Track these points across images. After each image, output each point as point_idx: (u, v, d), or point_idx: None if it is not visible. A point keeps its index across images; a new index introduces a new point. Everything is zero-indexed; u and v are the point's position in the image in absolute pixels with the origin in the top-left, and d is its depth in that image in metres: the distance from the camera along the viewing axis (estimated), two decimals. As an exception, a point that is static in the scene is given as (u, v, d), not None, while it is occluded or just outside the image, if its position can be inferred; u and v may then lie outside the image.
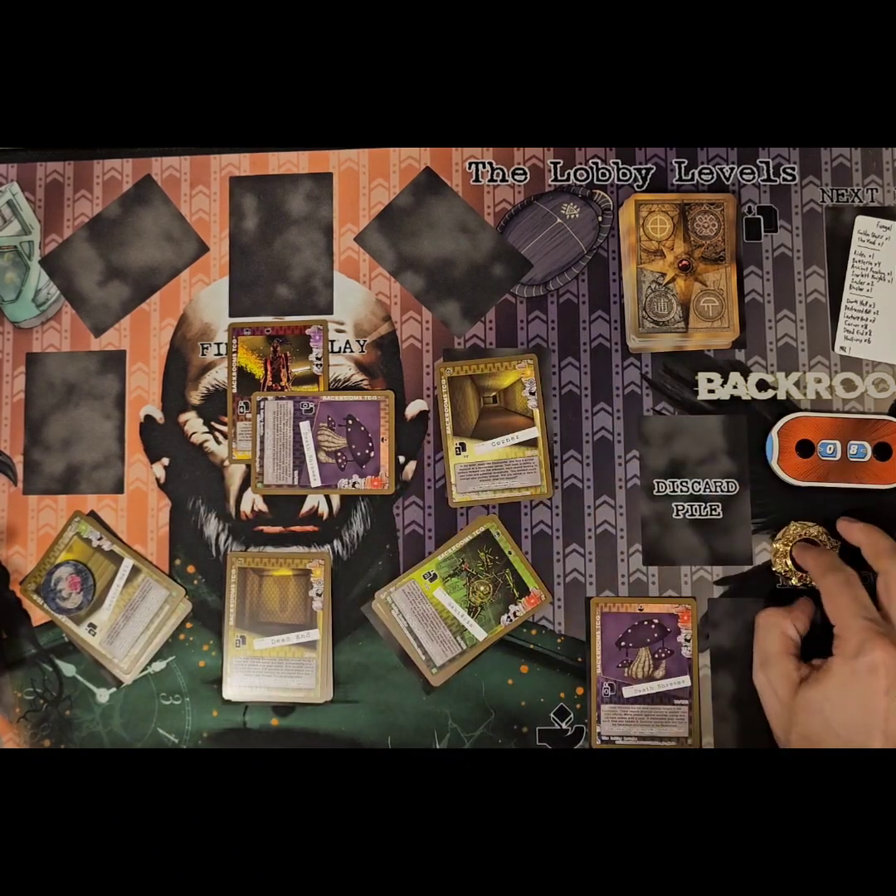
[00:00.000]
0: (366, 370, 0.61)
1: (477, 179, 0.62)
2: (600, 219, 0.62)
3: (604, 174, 0.62)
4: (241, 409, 0.61)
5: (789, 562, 0.58)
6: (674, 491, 0.60)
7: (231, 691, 0.59)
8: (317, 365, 0.61)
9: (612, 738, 0.57)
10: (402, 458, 0.60)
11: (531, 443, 0.59)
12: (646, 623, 0.58)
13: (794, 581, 0.58)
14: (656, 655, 0.58)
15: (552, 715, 0.58)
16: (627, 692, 0.58)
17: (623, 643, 0.58)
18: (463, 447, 0.59)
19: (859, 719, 0.50)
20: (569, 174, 0.62)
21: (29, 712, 0.59)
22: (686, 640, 0.58)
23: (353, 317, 0.62)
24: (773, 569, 0.58)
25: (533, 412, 0.60)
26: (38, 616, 0.60)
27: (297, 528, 0.60)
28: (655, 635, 0.58)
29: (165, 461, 0.61)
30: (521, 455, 0.59)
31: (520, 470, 0.59)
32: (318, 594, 0.59)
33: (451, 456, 0.59)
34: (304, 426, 0.60)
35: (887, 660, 0.50)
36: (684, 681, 0.58)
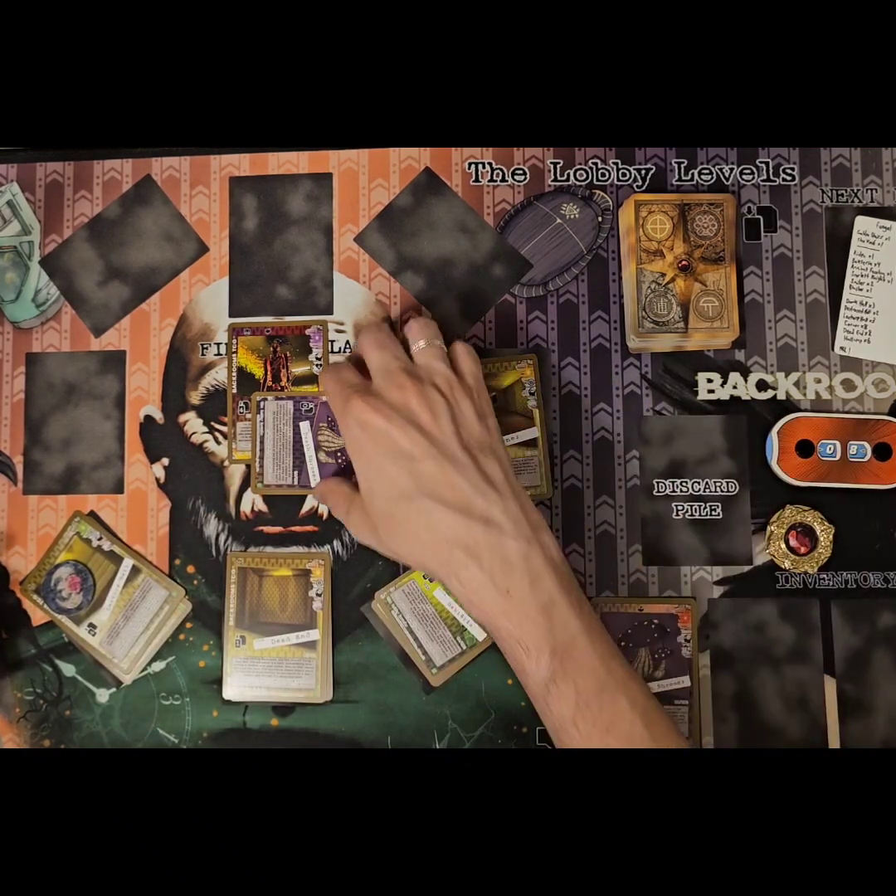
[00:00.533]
0: (366, 370, 0.61)
1: (477, 179, 0.62)
2: (600, 219, 0.62)
3: (603, 174, 0.62)
4: (241, 410, 0.61)
5: (783, 545, 0.58)
6: (674, 491, 0.60)
7: (231, 691, 0.59)
8: (317, 365, 0.61)
9: (611, 738, 0.57)
10: (401, 459, 0.60)
11: (531, 443, 0.59)
12: (646, 623, 0.58)
13: (786, 564, 0.58)
14: (656, 656, 0.58)
15: (552, 715, 0.58)
16: (627, 692, 0.58)
17: (623, 643, 0.58)
18: (463, 447, 0.59)
19: (389, 487, 0.50)
20: (568, 174, 0.62)
21: (29, 712, 0.59)
22: (686, 640, 0.58)
23: (353, 317, 0.62)
24: (768, 552, 0.58)
25: (533, 412, 0.60)
26: (38, 616, 0.60)
27: (297, 528, 0.60)
28: (655, 635, 0.58)
29: (165, 461, 0.61)
30: (520, 455, 0.59)
31: (520, 470, 0.59)
32: (318, 594, 0.59)
33: (450, 456, 0.59)
34: (304, 426, 0.60)
35: (370, 416, 0.50)
36: (684, 681, 0.58)
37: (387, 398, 0.51)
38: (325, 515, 0.60)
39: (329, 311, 0.62)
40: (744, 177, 0.62)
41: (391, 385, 0.51)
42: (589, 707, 0.47)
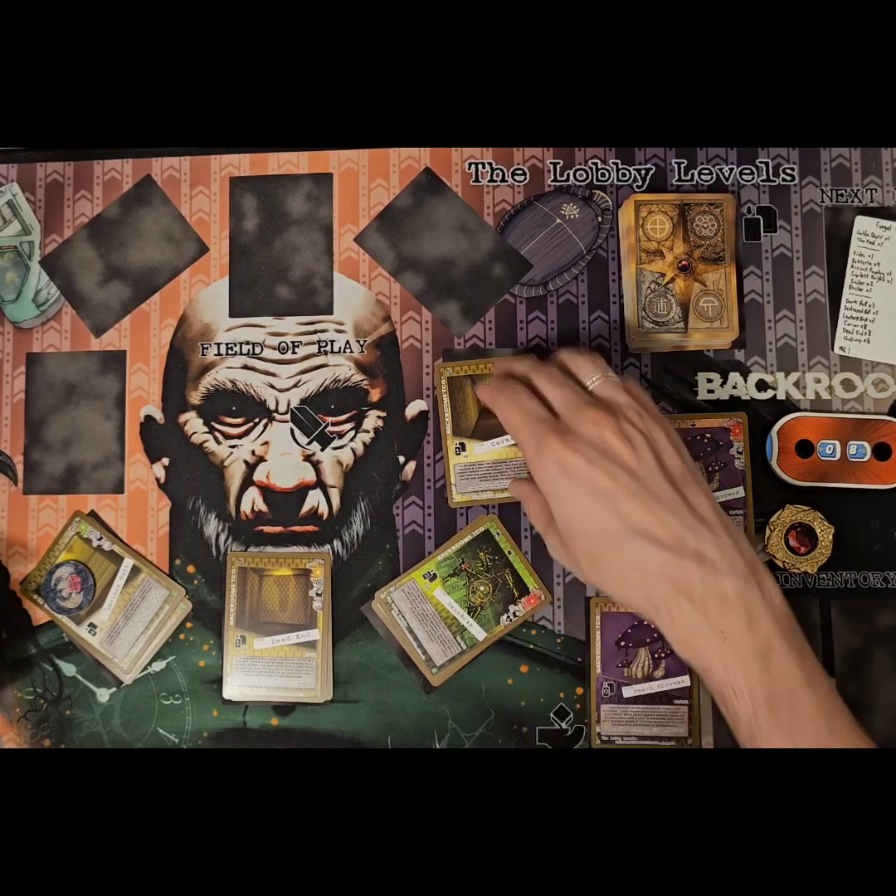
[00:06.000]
0: (366, 370, 0.61)
1: (477, 180, 0.62)
2: (600, 219, 0.62)
3: (603, 174, 0.62)
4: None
5: (783, 544, 0.58)
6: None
7: (231, 691, 0.59)
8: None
9: (611, 738, 0.58)
10: (401, 458, 0.60)
11: (531, 443, 0.59)
12: (645, 623, 0.58)
13: (782, 559, 0.58)
14: (656, 655, 0.58)
15: (552, 715, 0.58)
16: (627, 692, 0.58)
17: (623, 643, 0.58)
18: (462, 447, 0.59)
19: (592, 526, 0.47)
20: (568, 174, 0.62)
21: (29, 712, 0.59)
22: (686, 639, 0.58)
23: (353, 317, 0.62)
24: (768, 550, 0.58)
25: (533, 412, 0.59)
26: (38, 616, 0.60)
27: (297, 528, 0.60)
28: (655, 635, 0.58)
29: (165, 461, 0.61)
30: (520, 455, 0.59)
31: (520, 470, 0.59)
32: (318, 594, 0.59)
33: (450, 456, 0.59)
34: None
35: (570, 457, 0.47)
36: (684, 681, 0.58)
37: (582, 435, 0.47)
38: (326, 515, 0.60)
39: (329, 311, 0.62)
40: (744, 177, 0.62)
41: (583, 420, 0.48)
42: None
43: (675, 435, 0.49)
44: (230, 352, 0.62)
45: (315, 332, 0.62)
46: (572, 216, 0.62)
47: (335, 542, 0.60)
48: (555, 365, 0.52)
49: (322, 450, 0.61)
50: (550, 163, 0.62)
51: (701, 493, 0.48)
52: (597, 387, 0.50)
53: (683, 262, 0.60)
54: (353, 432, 0.61)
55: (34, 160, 0.63)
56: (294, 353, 0.61)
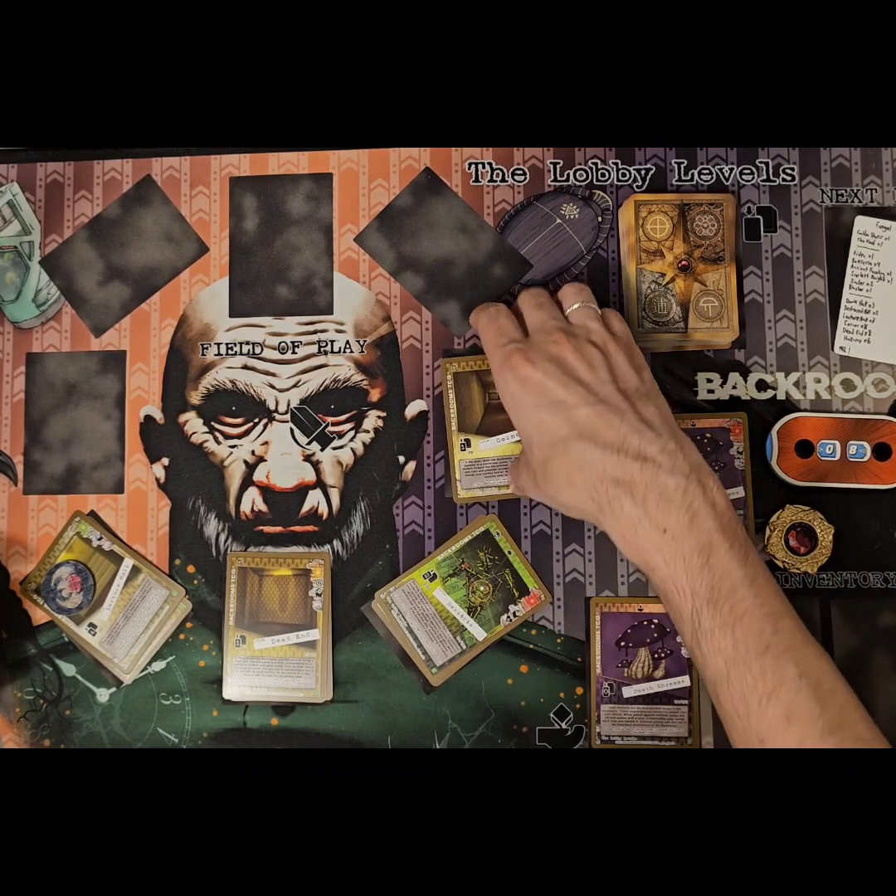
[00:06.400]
0: (366, 370, 0.61)
1: (477, 180, 0.62)
2: (600, 219, 0.62)
3: (603, 174, 0.62)
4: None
5: (783, 544, 0.58)
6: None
7: (231, 691, 0.59)
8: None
9: (611, 738, 0.58)
10: (401, 458, 0.60)
11: (531, 443, 0.59)
12: (645, 623, 0.58)
13: (782, 559, 0.57)
14: (656, 655, 0.58)
15: (552, 715, 0.58)
16: (627, 692, 0.58)
17: (623, 643, 0.58)
18: (468, 443, 0.59)
19: (546, 435, 0.50)
20: (568, 174, 0.62)
21: (29, 712, 0.59)
22: (686, 639, 0.58)
23: (353, 317, 0.62)
24: (768, 550, 0.58)
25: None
26: (38, 616, 0.60)
27: (297, 528, 0.60)
28: (655, 635, 0.58)
29: (165, 461, 0.61)
30: (517, 452, 0.59)
31: (520, 470, 0.59)
32: (318, 594, 0.59)
33: (455, 452, 0.59)
34: None
35: (529, 371, 0.51)
36: (684, 681, 0.58)
37: (542, 352, 0.51)
38: (326, 515, 0.60)
39: (329, 311, 0.62)
40: (744, 177, 0.62)
41: (548, 341, 0.52)
42: (748, 667, 0.44)
43: (639, 361, 0.53)
44: (230, 352, 0.62)
45: (315, 332, 0.62)
46: (572, 216, 0.62)
47: (335, 542, 0.60)
48: (543, 292, 0.56)
49: (322, 450, 0.61)
50: (550, 163, 0.62)
51: (652, 404, 0.51)
52: (572, 312, 0.54)
53: (683, 262, 0.60)
54: (353, 432, 0.61)
55: (34, 160, 0.63)
56: (294, 353, 0.61)
